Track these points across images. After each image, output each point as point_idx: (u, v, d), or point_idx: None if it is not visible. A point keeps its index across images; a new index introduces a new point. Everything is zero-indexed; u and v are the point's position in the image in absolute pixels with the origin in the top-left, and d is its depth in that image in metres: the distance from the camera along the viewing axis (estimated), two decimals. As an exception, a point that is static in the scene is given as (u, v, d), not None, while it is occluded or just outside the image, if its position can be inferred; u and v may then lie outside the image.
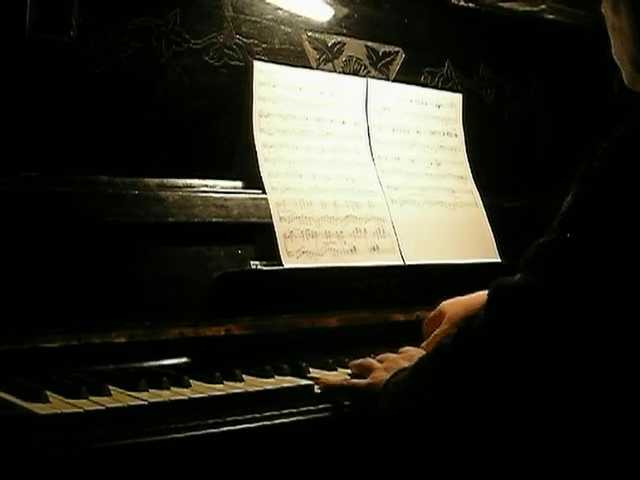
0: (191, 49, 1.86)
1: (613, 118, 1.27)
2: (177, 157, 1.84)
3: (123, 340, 1.59)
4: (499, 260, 2.14)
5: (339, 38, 2.10)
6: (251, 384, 1.49)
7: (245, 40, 1.94)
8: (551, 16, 2.45)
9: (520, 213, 2.26)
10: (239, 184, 1.87)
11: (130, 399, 1.35)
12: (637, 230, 1.19)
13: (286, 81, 1.97)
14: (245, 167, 1.89)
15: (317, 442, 1.44)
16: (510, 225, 2.18)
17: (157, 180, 1.76)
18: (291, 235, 1.84)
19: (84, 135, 1.72)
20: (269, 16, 1.98)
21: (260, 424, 1.37)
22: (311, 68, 2.04)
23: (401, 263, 1.99)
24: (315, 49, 2.06)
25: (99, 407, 1.30)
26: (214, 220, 1.76)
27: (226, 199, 1.80)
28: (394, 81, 2.19)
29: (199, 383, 1.48)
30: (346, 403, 1.49)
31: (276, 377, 1.55)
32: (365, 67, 2.15)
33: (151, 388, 1.41)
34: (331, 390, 1.52)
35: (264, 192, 1.85)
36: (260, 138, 1.90)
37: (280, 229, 1.83)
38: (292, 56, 2.01)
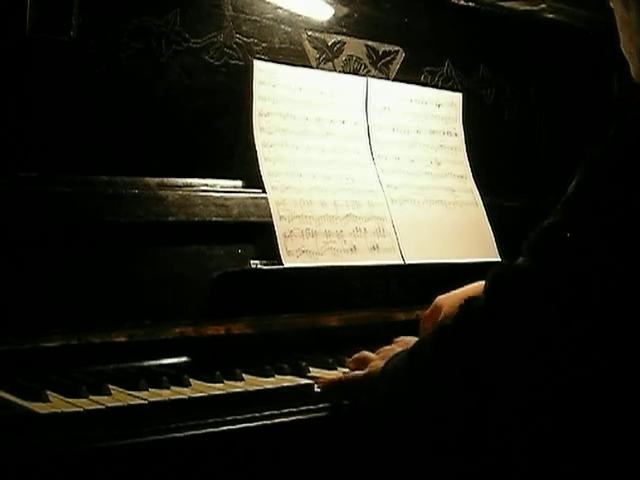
0: (191, 49, 1.86)
1: (613, 118, 1.27)
2: (177, 156, 1.84)
3: (123, 340, 1.59)
4: (499, 259, 2.14)
5: (339, 37, 2.10)
6: (251, 383, 1.49)
7: (245, 39, 1.94)
8: (551, 15, 2.45)
9: (520, 213, 2.25)
10: (239, 183, 1.87)
11: (130, 398, 1.35)
12: (637, 230, 1.19)
13: (286, 80, 1.97)
14: (245, 166, 1.89)
15: (317, 441, 1.44)
16: (510, 225, 2.17)
17: (157, 179, 1.76)
18: (291, 234, 1.84)
19: (84, 135, 1.72)
20: (269, 15, 1.98)
21: (260, 423, 1.37)
22: (311, 67, 2.04)
23: (401, 262, 1.99)
24: (315, 48, 2.06)
25: (99, 406, 1.30)
26: (214, 219, 1.76)
27: (226, 198, 1.80)
28: (394, 80, 2.19)
29: (199, 382, 1.48)
30: (346, 402, 1.48)
31: (276, 376, 1.55)
32: (365, 66, 2.15)
33: (151, 387, 1.41)
34: (330, 386, 1.52)
35: (264, 191, 1.85)
36: (260, 137, 1.90)
37: (280, 228, 1.83)
38: (292, 55, 2.01)
